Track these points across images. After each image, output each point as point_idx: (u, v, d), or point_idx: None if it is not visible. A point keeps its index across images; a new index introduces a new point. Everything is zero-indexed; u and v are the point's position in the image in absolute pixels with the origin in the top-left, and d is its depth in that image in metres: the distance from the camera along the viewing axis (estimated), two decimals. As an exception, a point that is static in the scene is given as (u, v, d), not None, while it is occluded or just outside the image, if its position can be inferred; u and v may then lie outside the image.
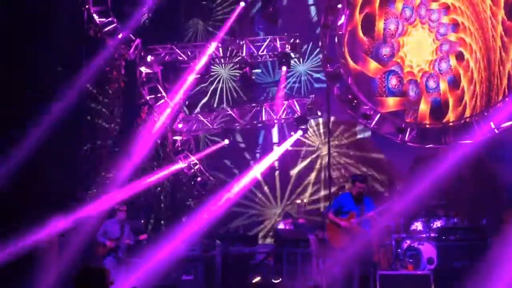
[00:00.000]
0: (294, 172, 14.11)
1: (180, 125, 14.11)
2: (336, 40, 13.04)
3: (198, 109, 14.91)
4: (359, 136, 13.63)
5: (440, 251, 9.72)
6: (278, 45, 13.04)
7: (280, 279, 9.74)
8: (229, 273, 10.65)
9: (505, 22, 11.76)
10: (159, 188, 14.04)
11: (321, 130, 13.77)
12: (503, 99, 11.78)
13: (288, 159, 13.92)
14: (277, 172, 14.10)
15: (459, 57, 12.38)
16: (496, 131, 11.48)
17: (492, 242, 9.54)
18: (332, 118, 13.43)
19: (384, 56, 13.04)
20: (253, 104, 13.92)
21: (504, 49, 11.81)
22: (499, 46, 11.86)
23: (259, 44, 13.27)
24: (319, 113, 13.13)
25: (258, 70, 14.24)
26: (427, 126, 12.50)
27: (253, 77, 13.65)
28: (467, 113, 12.26)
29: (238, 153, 14.64)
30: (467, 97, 12.32)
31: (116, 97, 13.67)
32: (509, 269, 8.75)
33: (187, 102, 14.32)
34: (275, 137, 14.32)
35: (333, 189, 12.30)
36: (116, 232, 9.74)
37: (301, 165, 14.06)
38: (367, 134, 13.64)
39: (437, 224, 10.44)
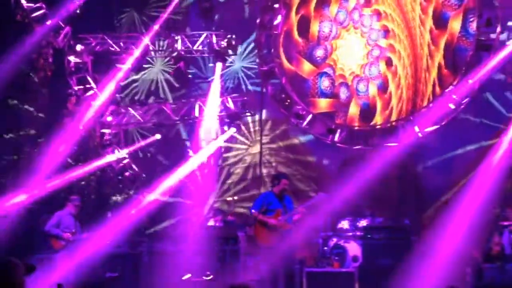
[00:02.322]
0: (225, 169, 14.06)
1: (109, 118, 13.73)
2: (271, 39, 13.16)
3: (129, 102, 14.54)
4: (290, 135, 13.74)
5: (365, 249, 10.01)
6: (214, 41, 12.97)
7: (211, 276, 9.69)
8: (156, 271, 10.49)
9: (433, 31, 12.26)
10: (83, 182, 13.62)
11: (256, 128, 13.78)
12: (428, 105, 12.27)
13: (219, 156, 13.86)
14: (209, 168, 13.99)
15: (388, 62, 12.78)
16: (420, 135, 11.95)
17: (414, 241, 9.94)
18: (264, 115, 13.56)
19: (318, 58, 13.26)
20: (186, 100, 13.78)
21: (430, 57, 12.32)
22: (426, 54, 12.35)
23: (195, 39, 13.16)
24: (252, 111, 13.18)
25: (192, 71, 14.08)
26: (356, 128, 12.84)
27: (190, 75, 13.57)
28: (394, 117, 12.68)
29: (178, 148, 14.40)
30: (394, 102, 12.75)
31: (42, 86, 13.16)
32: (430, 267, 9.17)
33: (117, 95, 13.96)
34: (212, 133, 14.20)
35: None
36: (72, 225, 9.23)
37: (232, 161, 14.02)
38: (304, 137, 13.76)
39: (363, 223, 10.76)
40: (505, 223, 9.53)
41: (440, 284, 8.67)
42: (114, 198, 13.97)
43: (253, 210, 8.46)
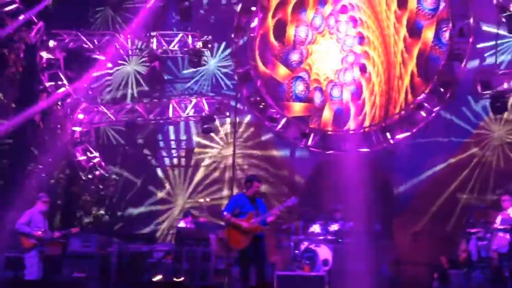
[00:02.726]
0: (198, 170, 13.98)
1: (80, 116, 13.54)
2: (248, 42, 13.18)
3: (99, 99, 14.35)
4: (263, 138, 13.73)
5: (335, 253, 10.06)
6: (190, 42, 12.91)
7: (183, 277, 9.60)
8: (125, 272, 10.35)
9: (406, 39, 12.46)
10: (52, 181, 13.40)
11: (229, 130, 13.73)
12: (400, 112, 12.45)
13: (193, 157, 13.79)
14: (181, 170, 13.92)
15: (362, 69, 12.92)
16: (391, 142, 12.13)
17: (384, 246, 10.06)
18: (246, 120, 13.54)
19: (293, 62, 13.34)
20: (159, 100, 13.67)
21: (403, 65, 12.51)
22: (400, 61, 12.54)
23: (171, 39, 13.08)
24: (227, 113, 13.14)
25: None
26: (329, 132, 12.93)
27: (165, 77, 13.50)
28: (366, 123, 12.81)
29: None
30: (367, 108, 12.89)
31: (12, 82, 12.90)
32: (399, 272, 9.30)
33: (90, 92, 13.78)
34: (182, 135, 14.13)
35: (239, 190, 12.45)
36: (41, 224, 9.09)
37: (205, 163, 13.95)
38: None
39: (334, 227, 10.79)
40: (472, 230, 9.70)
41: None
42: (83, 197, 13.77)
43: (225, 213, 8.39)
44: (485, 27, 11.98)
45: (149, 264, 10.63)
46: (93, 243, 10.77)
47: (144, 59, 13.77)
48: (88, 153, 13.57)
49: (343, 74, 13.03)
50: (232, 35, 13.33)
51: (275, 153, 13.55)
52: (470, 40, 11.63)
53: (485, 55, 11.84)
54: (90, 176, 13.61)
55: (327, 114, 13.07)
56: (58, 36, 12.89)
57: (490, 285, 9.11)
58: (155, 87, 14.03)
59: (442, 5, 12.03)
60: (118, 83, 14.54)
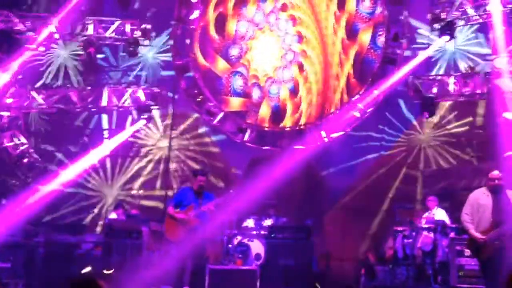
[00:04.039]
0: (131, 161, 13.73)
1: (9, 100, 12.95)
2: (187, 34, 13.06)
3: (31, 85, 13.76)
4: (200, 131, 13.68)
5: (268, 248, 10.19)
6: (128, 30, 12.62)
7: (113, 269, 9.42)
8: (51, 262, 10.04)
9: (344, 41, 12.76)
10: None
11: (165, 122, 13.57)
12: (335, 111, 12.74)
13: (126, 148, 13.52)
14: (114, 160, 13.62)
15: (300, 67, 13.12)
16: (326, 140, 12.39)
17: (315, 241, 10.29)
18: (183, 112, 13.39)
19: (232, 57, 13.35)
20: (93, 88, 13.28)
21: (340, 65, 12.80)
22: (337, 62, 12.81)
23: (107, 25, 12.73)
24: (164, 105, 12.95)
25: (102, 55, 13.63)
26: (266, 129, 13.06)
27: (99, 57, 13.09)
28: (302, 120, 13.03)
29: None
30: (304, 106, 13.11)
31: None
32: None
33: (20, 76, 13.19)
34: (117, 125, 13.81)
35: (174, 183, 12.36)
36: None
37: (140, 155, 13.73)
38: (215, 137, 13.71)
39: (268, 222, 10.92)
40: (399, 228, 10.09)
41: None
42: (9, 184, 13.22)
43: (168, 206, 8.40)
44: (418, 33, 12.49)
45: (78, 256, 10.36)
46: (19, 232, 10.39)
47: (78, 44, 13.32)
48: (16, 140, 13.01)
49: (282, 72, 13.17)
50: (172, 26, 13.16)
51: (211, 146, 13.54)
52: (404, 44, 12.05)
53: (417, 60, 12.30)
54: (17, 163, 13.06)
55: (265, 110, 13.19)
56: (-12, 15, 12.27)
57: (414, 281, 9.52)
58: (89, 74, 13.62)
59: (379, 9, 12.40)
60: (50, 68, 14.03)
